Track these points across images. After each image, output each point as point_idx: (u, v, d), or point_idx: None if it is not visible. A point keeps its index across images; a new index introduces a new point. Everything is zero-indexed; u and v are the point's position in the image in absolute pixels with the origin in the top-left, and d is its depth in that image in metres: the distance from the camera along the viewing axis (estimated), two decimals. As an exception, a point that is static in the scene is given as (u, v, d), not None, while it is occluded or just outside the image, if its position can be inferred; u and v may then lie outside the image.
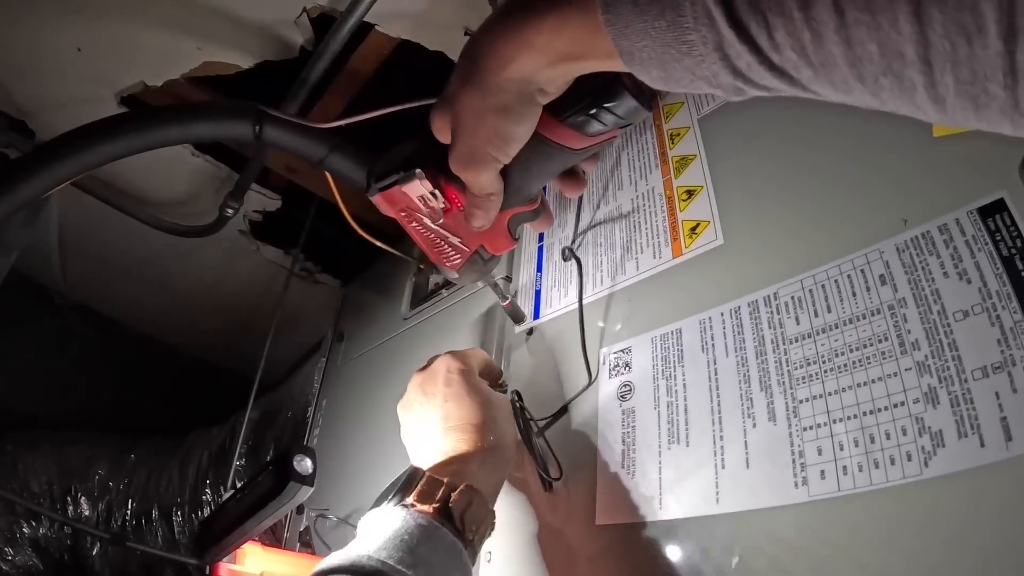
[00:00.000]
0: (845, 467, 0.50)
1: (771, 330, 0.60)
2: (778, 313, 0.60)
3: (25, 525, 1.95)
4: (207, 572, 0.86)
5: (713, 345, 0.64)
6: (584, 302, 0.81)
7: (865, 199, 0.59)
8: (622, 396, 0.71)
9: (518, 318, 0.91)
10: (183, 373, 2.41)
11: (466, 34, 1.10)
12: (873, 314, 0.53)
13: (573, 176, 0.64)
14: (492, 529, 0.60)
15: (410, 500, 0.56)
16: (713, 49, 0.34)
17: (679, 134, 0.84)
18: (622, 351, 0.74)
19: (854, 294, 0.55)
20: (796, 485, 0.52)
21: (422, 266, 1.32)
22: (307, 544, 1.14)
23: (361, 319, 1.52)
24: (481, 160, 0.52)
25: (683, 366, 0.66)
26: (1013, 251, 0.47)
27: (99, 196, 1.46)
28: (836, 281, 0.57)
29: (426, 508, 0.55)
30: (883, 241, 0.55)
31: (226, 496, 0.87)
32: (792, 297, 0.60)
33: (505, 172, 0.57)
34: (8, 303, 1.42)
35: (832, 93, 0.34)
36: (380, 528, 0.52)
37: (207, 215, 1.50)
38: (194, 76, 1.23)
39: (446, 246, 0.68)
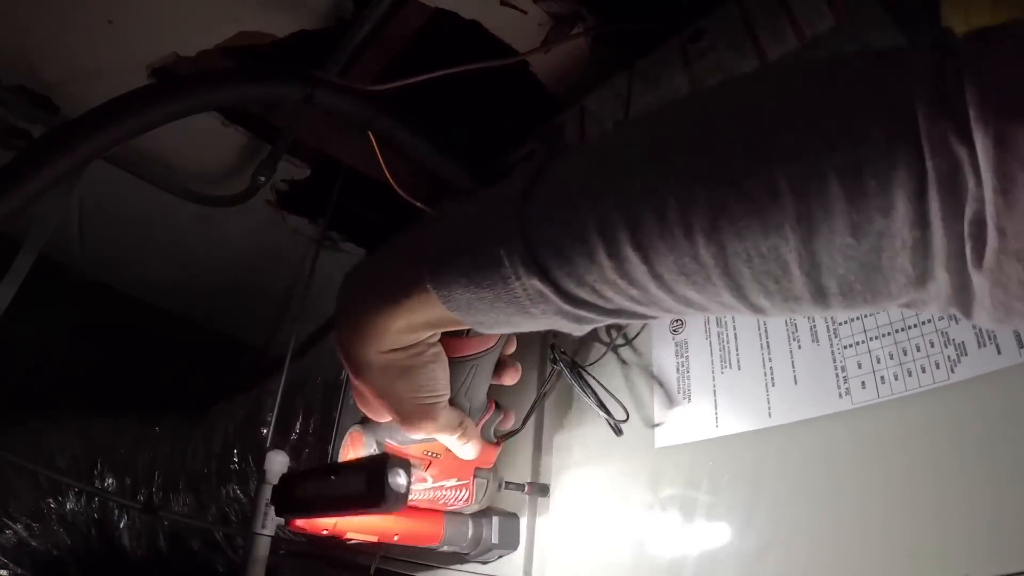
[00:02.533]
0: (883, 377, 0.58)
1: (811, 260, 0.67)
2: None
3: (52, 501, 1.99)
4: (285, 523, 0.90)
5: (759, 277, 0.72)
6: None
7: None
8: (674, 330, 0.79)
9: (544, 492, 0.88)
10: (205, 347, 2.45)
11: (502, 3, 1.14)
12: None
13: (504, 368, 0.67)
14: None
15: None
16: (553, 314, 0.40)
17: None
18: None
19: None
20: (840, 396, 0.61)
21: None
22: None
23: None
24: (423, 413, 0.54)
25: (731, 298, 0.74)
26: None
27: (127, 167, 1.51)
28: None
29: None
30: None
31: (311, 468, 0.88)
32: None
33: (452, 401, 0.59)
34: (27, 281, 1.45)
35: (670, 316, 0.40)
36: None
37: (235, 185, 1.55)
38: (227, 47, 1.25)
39: (449, 493, 0.72)
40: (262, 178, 1.47)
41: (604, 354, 0.85)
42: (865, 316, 0.61)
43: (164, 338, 2.40)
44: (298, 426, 1.74)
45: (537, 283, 0.38)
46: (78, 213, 1.81)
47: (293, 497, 0.72)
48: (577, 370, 0.82)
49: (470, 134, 1.36)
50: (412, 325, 0.46)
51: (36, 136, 1.33)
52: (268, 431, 1.68)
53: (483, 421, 0.68)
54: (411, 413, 0.53)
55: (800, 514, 0.59)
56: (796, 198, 0.30)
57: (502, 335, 0.62)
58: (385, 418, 0.56)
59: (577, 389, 0.81)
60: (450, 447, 0.64)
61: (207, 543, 1.94)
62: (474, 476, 0.73)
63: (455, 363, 0.57)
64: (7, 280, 1.39)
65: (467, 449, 0.64)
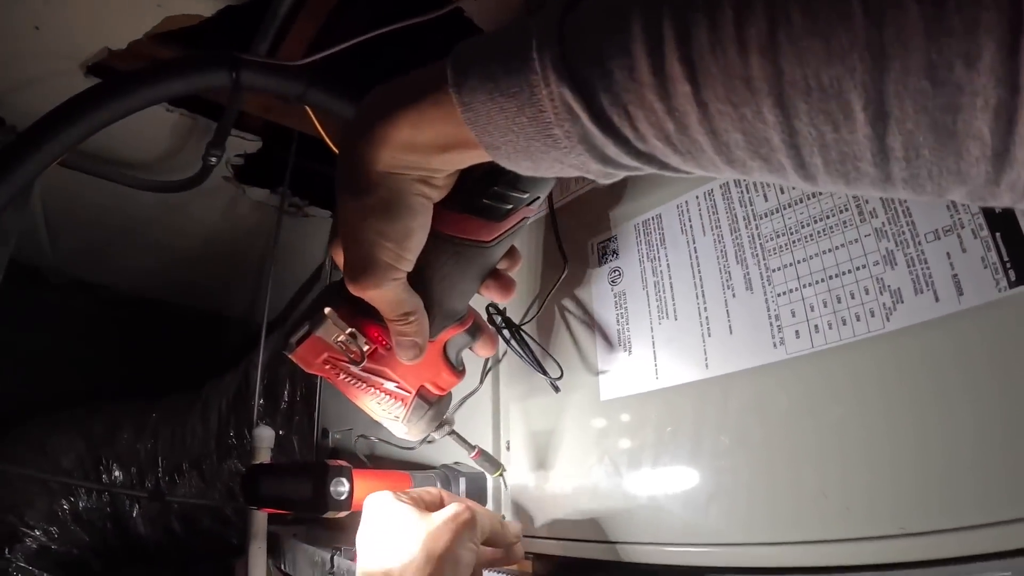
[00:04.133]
0: (816, 326, 0.58)
1: (742, 208, 0.68)
2: (748, 192, 0.68)
3: (65, 503, 2.05)
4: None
5: (691, 227, 0.73)
6: (567, 197, 0.90)
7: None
8: (612, 281, 0.80)
9: (494, 467, 0.82)
10: (187, 327, 2.52)
11: None
12: (835, 186, 0.61)
13: (498, 279, 0.61)
14: None
15: None
16: (578, 141, 0.36)
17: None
18: (608, 239, 0.82)
19: (817, 168, 0.62)
20: (775, 345, 0.61)
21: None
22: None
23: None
24: (374, 268, 0.47)
25: (665, 248, 0.75)
26: None
27: (79, 168, 1.52)
28: (799, 157, 0.64)
29: None
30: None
31: (271, 464, 0.91)
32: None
33: (420, 288, 0.53)
34: (3, 290, 1.47)
35: (703, 172, 0.36)
36: None
37: (190, 168, 1.56)
38: (157, 33, 1.25)
39: (384, 395, 0.62)
40: (213, 159, 1.48)
41: (542, 308, 0.85)
42: (799, 262, 0.61)
43: (148, 324, 2.45)
44: (286, 395, 1.82)
45: (568, 93, 0.35)
46: (43, 218, 1.84)
47: (257, 491, 0.80)
48: (515, 330, 0.81)
49: None
50: (417, 142, 0.42)
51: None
52: (255, 404, 1.71)
53: (450, 333, 0.61)
54: (358, 261, 0.48)
55: (739, 465, 0.61)
56: (869, 20, 0.26)
57: (503, 239, 0.56)
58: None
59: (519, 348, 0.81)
60: (391, 334, 0.55)
61: (218, 519, 2.01)
62: (416, 394, 0.63)
63: (439, 237, 0.52)
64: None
65: (405, 345, 0.55)
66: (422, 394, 0.63)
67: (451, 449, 0.93)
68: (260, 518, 1.26)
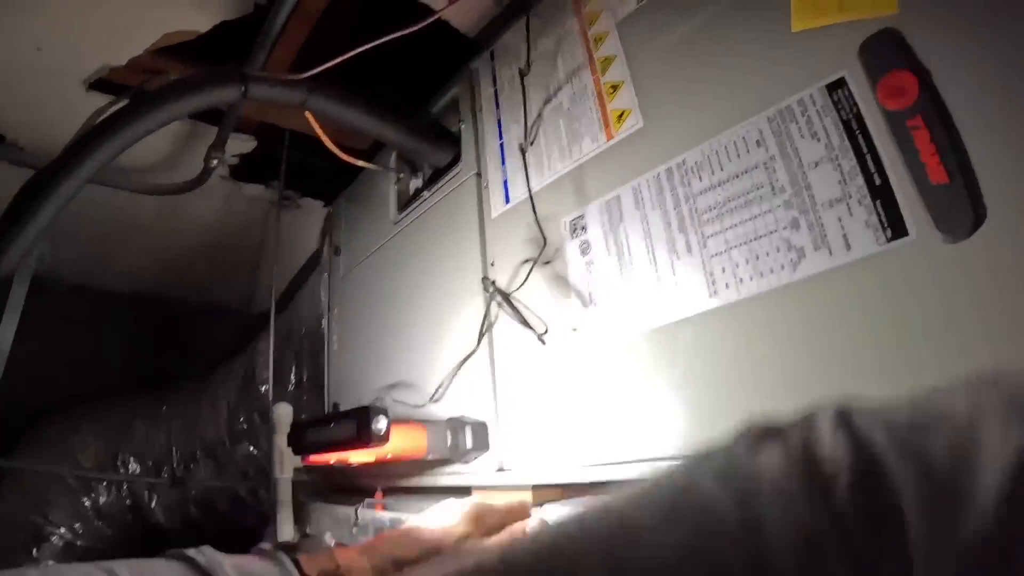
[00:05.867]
0: (742, 279, 0.76)
1: (683, 187, 0.85)
2: (687, 175, 0.85)
3: (86, 499, 2.18)
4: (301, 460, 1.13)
5: (644, 204, 0.90)
6: (544, 183, 1.08)
7: (744, 83, 0.82)
8: (583, 251, 0.98)
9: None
10: (189, 320, 2.62)
11: None
12: (753, 168, 0.78)
13: None
14: None
15: None
16: None
17: (601, 38, 1.06)
18: (578, 217, 1.00)
19: (739, 155, 0.80)
20: (710, 295, 0.79)
21: (400, 175, 1.57)
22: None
23: (354, 232, 1.77)
24: None
25: (623, 222, 0.93)
26: (850, 115, 0.70)
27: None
28: (725, 147, 0.81)
29: None
30: (757, 115, 0.79)
31: (314, 418, 1.10)
32: (695, 162, 0.85)
33: None
34: (6, 299, 1.58)
35: None
36: None
37: (190, 170, 1.68)
38: (156, 49, 1.36)
39: None
40: (215, 160, 1.61)
41: (529, 273, 1.05)
42: (727, 229, 0.79)
43: (150, 322, 2.55)
44: (292, 376, 1.95)
45: None
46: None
47: (304, 440, 1.04)
48: (506, 297, 1.04)
49: (400, 86, 1.50)
50: None
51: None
52: (267, 387, 1.87)
53: None
54: None
55: (691, 398, 0.79)
56: None
57: None
58: None
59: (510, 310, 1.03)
60: None
61: (233, 501, 2.14)
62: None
63: None
64: (8, 314, 1.54)
65: None
66: None
67: (456, 406, 1.13)
68: (285, 486, 1.41)
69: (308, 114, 1.20)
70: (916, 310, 0.62)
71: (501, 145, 1.22)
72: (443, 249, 1.31)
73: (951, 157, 0.62)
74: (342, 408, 1.51)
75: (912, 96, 0.65)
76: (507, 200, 1.16)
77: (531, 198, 1.06)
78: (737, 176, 0.79)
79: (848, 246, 0.68)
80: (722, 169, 0.81)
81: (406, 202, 1.52)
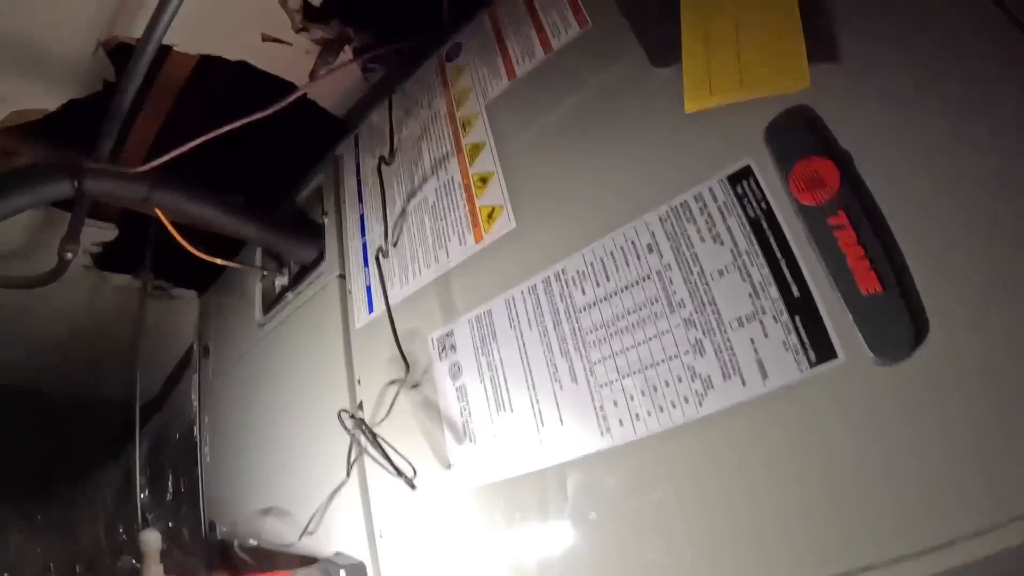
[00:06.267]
0: (637, 415, 0.63)
1: (563, 302, 0.72)
2: (567, 286, 0.72)
3: None
4: None
5: (518, 321, 0.76)
6: (408, 292, 0.93)
7: (631, 175, 0.70)
8: (453, 375, 0.83)
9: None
10: (66, 415, 2.43)
11: (264, 39, 1.15)
12: (645, 279, 0.65)
13: None
14: None
15: None
16: None
17: (470, 122, 0.93)
18: (447, 334, 0.85)
19: (627, 263, 0.67)
20: (601, 434, 0.65)
21: (265, 272, 1.40)
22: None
23: (222, 329, 1.61)
24: None
25: (497, 342, 0.78)
26: (758, 212, 0.59)
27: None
28: (611, 253, 0.69)
29: None
30: (648, 213, 0.67)
31: None
32: (577, 271, 0.71)
33: None
34: None
35: None
36: None
37: (48, 260, 1.52)
38: (3, 128, 1.22)
39: None
40: (68, 253, 1.44)
41: (393, 403, 0.89)
42: (617, 354, 0.65)
43: (25, 416, 2.35)
44: (170, 486, 1.81)
45: None
46: None
47: None
48: (372, 435, 0.87)
49: (263, 172, 1.39)
50: None
51: None
52: (138, 503, 1.73)
53: None
54: None
55: (580, 550, 0.66)
56: None
57: None
58: None
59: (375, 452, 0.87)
60: None
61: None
62: None
63: None
64: None
65: None
66: None
67: (331, 542, 0.99)
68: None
69: (157, 210, 1.07)
70: (849, 452, 0.51)
71: (364, 245, 1.08)
72: (309, 359, 1.15)
73: (883, 261, 0.52)
74: (219, 528, 1.38)
75: (832, 188, 0.55)
76: (370, 309, 1.01)
77: (390, 315, 0.90)
78: (626, 288, 0.67)
79: (764, 374, 0.56)
80: (608, 280, 0.68)
81: (272, 302, 1.36)
